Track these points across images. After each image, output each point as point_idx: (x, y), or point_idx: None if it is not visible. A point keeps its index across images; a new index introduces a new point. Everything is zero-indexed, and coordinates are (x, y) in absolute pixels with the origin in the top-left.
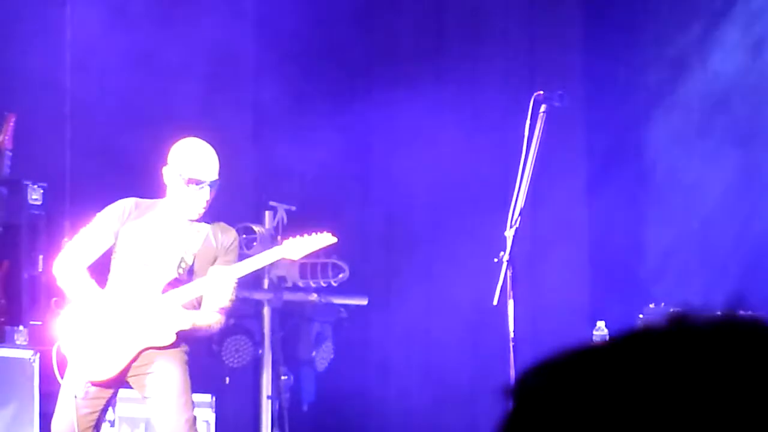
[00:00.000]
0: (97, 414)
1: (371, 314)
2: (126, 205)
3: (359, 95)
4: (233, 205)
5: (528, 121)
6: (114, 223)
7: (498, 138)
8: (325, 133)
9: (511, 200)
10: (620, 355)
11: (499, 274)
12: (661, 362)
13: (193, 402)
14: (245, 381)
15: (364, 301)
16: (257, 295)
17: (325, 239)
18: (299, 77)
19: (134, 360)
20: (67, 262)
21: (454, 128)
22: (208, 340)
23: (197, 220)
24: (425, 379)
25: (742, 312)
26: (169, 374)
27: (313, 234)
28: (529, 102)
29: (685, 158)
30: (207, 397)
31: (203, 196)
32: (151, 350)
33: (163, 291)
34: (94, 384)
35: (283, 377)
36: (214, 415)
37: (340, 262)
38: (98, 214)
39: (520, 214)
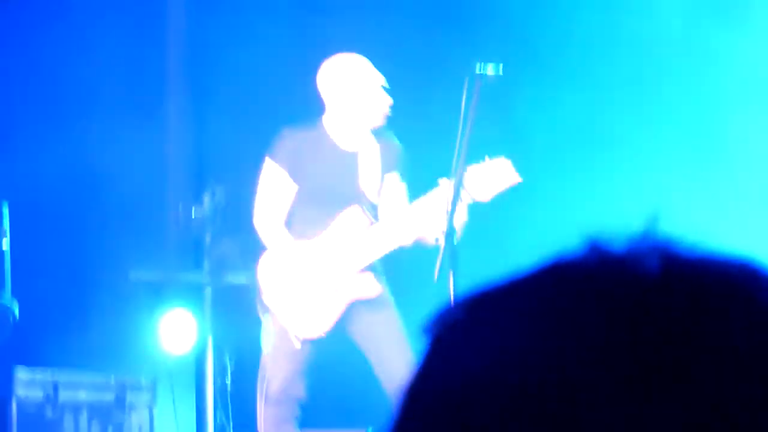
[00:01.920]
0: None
1: None
2: (289, 145)
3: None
4: (170, 186)
5: (465, 93)
6: (288, 165)
7: (434, 110)
8: (263, 112)
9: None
10: (538, 287)
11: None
12: (577, 291)
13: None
14: (187, 364)
15: None
16: (197, 278)
17: (509, 174)
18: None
19: (343, 313)
20: (262, 217)
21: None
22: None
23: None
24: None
25: (659, 236)
26: (387, 321)
27: (494, 159)
28: (462, 72)
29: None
30: (148, 380)
31: (387, 99)
32: (360, 301)
33: (362, 236)
34: (303, 339)
35: (226, 359)
36: (154, 397)
37: None
38: (267, 159)
39: (459, 188)
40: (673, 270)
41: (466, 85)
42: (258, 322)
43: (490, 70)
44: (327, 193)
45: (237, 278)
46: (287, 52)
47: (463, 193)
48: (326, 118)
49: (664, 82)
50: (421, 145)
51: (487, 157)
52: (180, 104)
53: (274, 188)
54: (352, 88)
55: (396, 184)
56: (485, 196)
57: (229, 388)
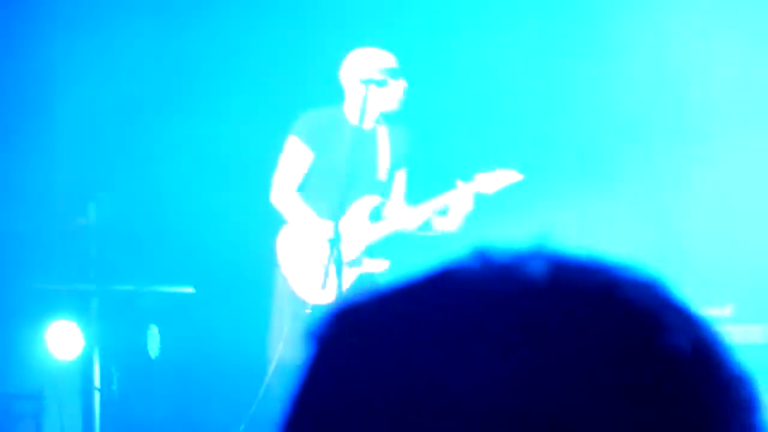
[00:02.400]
0: None
1: (201, 303)
2: (310, 119)
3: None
4: (55, 196)
5: (361, 104)
6: (307, 139)
7: None
8: (149, 123)
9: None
10: (421, 294)
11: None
12: (459, 296)
13: None
14: (74, 372)
15: (190, 290)
16: (83, 287)
17: (513, 176)
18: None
19: (351, 284)
20: (280, 190)
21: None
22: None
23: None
24: (259, 368)
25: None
26: None
27: (503, 170)
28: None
29: None
30: (34, 390)
31: (401, 86)
32: (368, 275)
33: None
34: (312, 305)
35: (112, 367)
36: (41, 406)
37: None
38: (289, 137)
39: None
40: (557, 275)
41: (360, 90)
42: (144, 329)
43: (382, 74)
44: (343, 170)
45: (123, 287)
46: (170, 63)
47: (472, 187)
48: (346, 104)
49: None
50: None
51: (498, 168)
52: (67, 112)
53: (294, 161)
54: (366, 76)
55: (404, 179)
56: (490, 190)
57: (115, 395)
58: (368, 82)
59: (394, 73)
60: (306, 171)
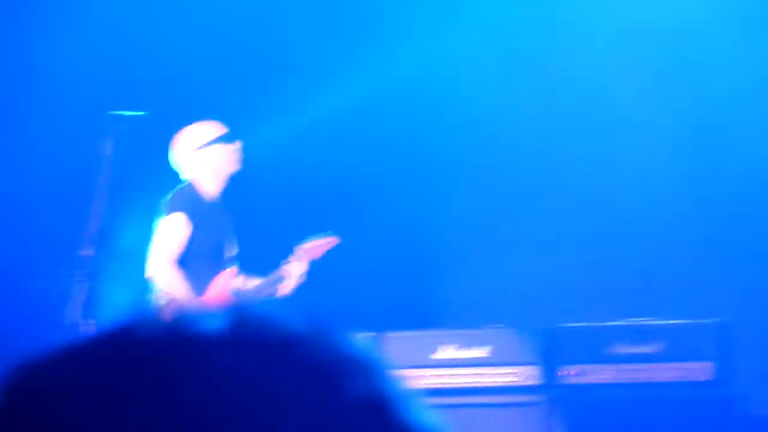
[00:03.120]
0: None
1: None
2: (186, 196)
3: None
4: None
5: (107, 140)
6: (190, 215)
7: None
8: None
9: (89, 217)
10: (96, 351)
11: (77, 291)
12: (131, 354)
13: None
14: None
15: None
16: None
17: (332, 241)
18: None
19: None
20: (163, 265)
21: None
22: None
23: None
24: None
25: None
26: None
27: (320, 238)
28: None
29: None
30: None
31: (238, 147)
32: None
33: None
34: None
35: None
36: None
37: None
38: (173, 213)
39: (102, 231)
40: (233, 332)
41: (107, 128)
42: None
43: (129, 112)
44: (211, 246)
45: None
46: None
47: (303, 259)
48: (194, 181)
49: None
50: None
51: (315, 237)
52: None
53: (178, 237)
54: (204, 148)
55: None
56: (316, 257)
57: None
58: (210, 144)
59: (227, 138)
60: (185, 246)
